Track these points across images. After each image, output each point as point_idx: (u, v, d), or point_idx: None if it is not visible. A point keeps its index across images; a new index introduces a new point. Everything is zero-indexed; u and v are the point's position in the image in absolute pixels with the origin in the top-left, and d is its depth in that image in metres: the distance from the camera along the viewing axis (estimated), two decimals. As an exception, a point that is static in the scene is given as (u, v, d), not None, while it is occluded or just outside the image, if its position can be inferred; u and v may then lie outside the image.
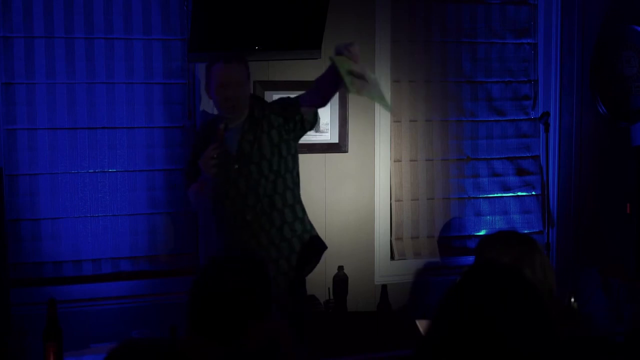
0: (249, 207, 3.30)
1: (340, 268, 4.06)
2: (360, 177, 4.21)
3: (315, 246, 3.47)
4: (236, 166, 3.28)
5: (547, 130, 4.35)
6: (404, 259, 4.31)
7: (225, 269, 1.92)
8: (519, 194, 4.55)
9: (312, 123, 3.36)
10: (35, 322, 3.18)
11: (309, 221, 3.48)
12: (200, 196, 3.27)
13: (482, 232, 4.44)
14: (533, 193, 4.57)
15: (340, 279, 4.05)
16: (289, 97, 3.40)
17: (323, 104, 3.36)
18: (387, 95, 3.32)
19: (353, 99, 4.13)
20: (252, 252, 3.27)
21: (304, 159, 4.07)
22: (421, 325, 3.03)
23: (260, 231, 3.31)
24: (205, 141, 3.29)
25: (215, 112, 3.53)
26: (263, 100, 3.48)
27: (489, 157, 4.48)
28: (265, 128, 3.30)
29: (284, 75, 4.02)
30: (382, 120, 4.21)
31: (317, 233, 3.51)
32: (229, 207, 3.32)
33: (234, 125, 3.29)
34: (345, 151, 4.14)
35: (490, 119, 4.48)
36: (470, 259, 3.33)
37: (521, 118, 4.54)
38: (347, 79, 2.97)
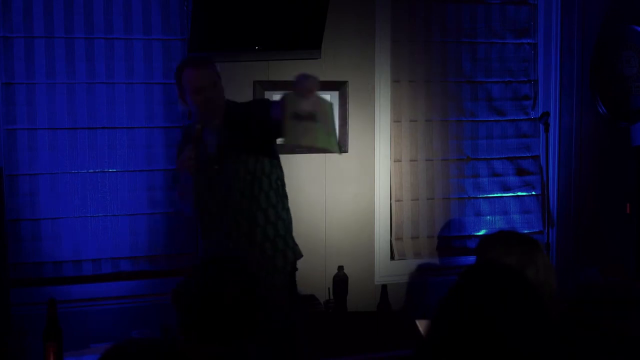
0: (230, 207, 3.27)
1: (340, 268, 4.06)
2: (360, 177, 4.21)
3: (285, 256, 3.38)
4: (216, 166, 3.25)
5: (547, 130, 4.35)
6: (404, 259, 4.31)
7: (214, 270, 1.92)
8: (519, 194, 4.55)
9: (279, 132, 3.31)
10: (35, 322, 3.18)
11: (285, 227, 3.38)
12: (185, 198, 3.27)
13: (482, 232, 4.44)
14: (533, 193, 4.57)
15: (340, 279, 4.05)
16: (268, 100, 3.43)
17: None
18: (335, 130, 3.15)
19: (353, 100, 4.14)
20: (235, 253, 3.24)
21: (304, 159, 4.07)
22: (421, 325, 3.03)
23: (238, 231, 3.27)
24: (186, 144, 3.27)
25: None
26: (236, 102, 3.43)
27: (489, 157, 4.48)
28: (242, 129, 3.25)
29: (284, 75, 4.01)
30: (382, 120, 4.22)
31: (292, 242, 3.40)
32: (211, 207, 3.30)
33: (212, 126, 3.26)
34: (345, 151, 4.14)
35: (490, 119, 4.48)
36: (470, 259, 3.33)
37: (521, 118, 4.54)
38: (289, 125, 2.92)
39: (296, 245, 3.39)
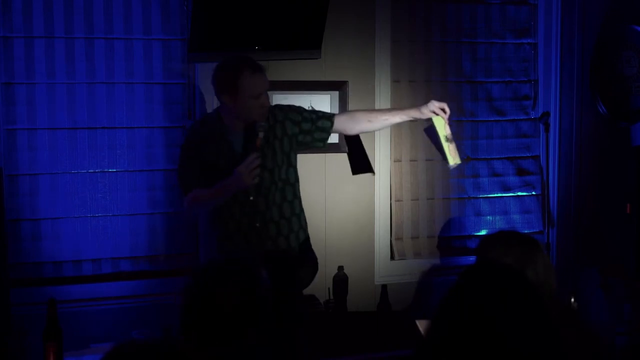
0: (259, 213, 3.28)
1: (340, 268, 4.06)
2: (360, 177, 4.20)
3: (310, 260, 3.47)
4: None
5: (547, 130, 4.34)
6: (404, 259, 4.31)
7: (218, 273, 1.92)
8: (519, 194, 4.55)
9: (324, 144, 3.43)
10: (35, 322, 3.18)
11: (306, 235, 3.48)
12: (210, 203, 3.24)
13: (482, 232, 4.44)
14: (533, 193, 4.57)
15: (340, 279, 4.05)
16: (318, 112, 3.44)
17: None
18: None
19: (353, 100, 4.13)
20: (243, 255, 3.25)
21: (304, 159, 4.06)
22: (421, 325, 3.03)
23: (267, 239, 3.30)
24: (204, 146, 3.25)
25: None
26: (277, 106, 3.47)
27: (489, 157, 4.48)
28: (278, 135, 3.29)
29: (284, 75, 4.01)
30: (382, 120, 4.21)
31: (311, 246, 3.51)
32: (237, 213, 3.29)
33: (238, 130, 3.27)
34: (345, 151, 4.14)
35: (490, 119, 4.48)
36: (471, 259, 3.32)
37: (521, 118, 4.54)
38: (446, 148, 3.31)
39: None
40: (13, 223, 3.75)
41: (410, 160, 4.31)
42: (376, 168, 4.23)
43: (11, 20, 3.71)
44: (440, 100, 4.32)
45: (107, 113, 3.87)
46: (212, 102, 3.93)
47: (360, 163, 4.13)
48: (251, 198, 3.26)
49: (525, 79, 4.53)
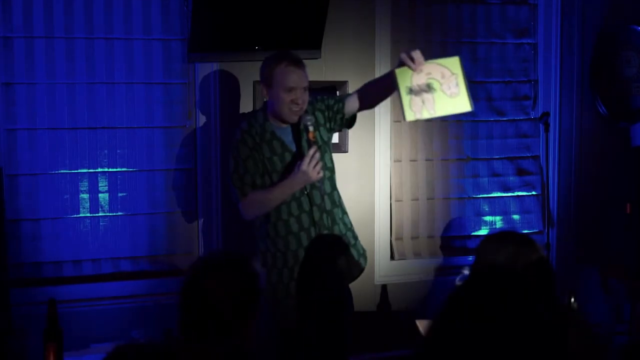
0: (316, 205, 3.28)
1: (340, 268, 4.06)
2: (360, 177, 4.21)
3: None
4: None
5: (547, 130, 4.34)
6: (404, 259, 4.31)
7: (213, 269, 1.92)
8: (519, 194, 4.55)
9: (351, 123, 3.39)
10: (35, 322, 3.18)
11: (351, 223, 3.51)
12: (273, 204, 3.21)
13: (482, 232, 4.44)
14: (533, 193, 4.57)
15: (340, 279, 4.05)
16: (331, 96, 3.41)
17: (368, 108, 3.42)
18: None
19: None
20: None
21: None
22: (421, 325, 3.03)
23: (324, 229, 3.29)
24: (257, 147, 3.21)
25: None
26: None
27: (489, 157, 4.48)
28: (316, 126, 3.29)
29: (284, 75, 4.01)
30: (382, 120, 4.22)
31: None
32: (295, 210, 3.26)
33: (286, 126, 3.27)
34: (345, 151, 4.14)
35: (490, 119, 4.48)
36: (471, 259, 3.33)
37: (521, 118, 4.54)
38: (406, 101, 2.93)
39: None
40: (13, 223, 3.75)
41: (410, 160, 4.31)
42: (376, 168, 4.23)
43: (11, 20, 3.71)
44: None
45: (107, 113, 3.87)
46: (212, 102, 3.94)
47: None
48: (306, 192, 3.26)
49: (525, 79, 4.53)
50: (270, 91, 3.19)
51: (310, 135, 3.15)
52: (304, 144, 3.19)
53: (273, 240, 3.27)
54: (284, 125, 3.26)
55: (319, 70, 4.06)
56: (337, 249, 3.33)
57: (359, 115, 4.16)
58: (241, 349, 1.89)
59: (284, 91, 3.15)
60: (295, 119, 3.22)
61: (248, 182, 3.21)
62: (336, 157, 4.11)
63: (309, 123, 3.17)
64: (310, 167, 3.09)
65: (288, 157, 3.23)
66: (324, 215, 3.29)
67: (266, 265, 3.27)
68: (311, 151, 3.10)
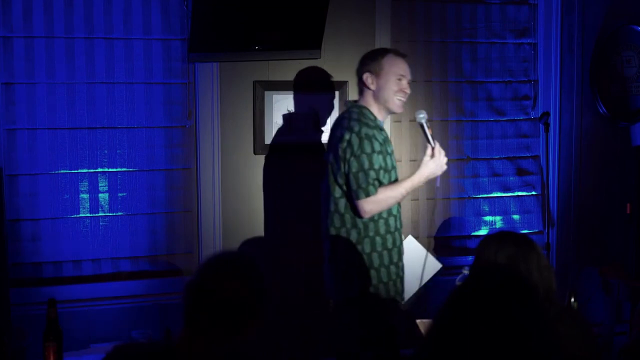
0: (399, 204, 3.33)
1: (341, 268, 4.05)
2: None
3: None
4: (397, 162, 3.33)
5: (547, 130, 4.34)
6: (404, 259, 4.31)
7: (220, 267, 1.92)
8: (519, 194, 4.55)
9: None
10: (35, 322, 3.18)
11: None
12: (396, 202, 3.23)
13: (482, 232, 4.44)
14: (533, 193, 4.57)
15: (341, 279, 4.04)
16: None
17: None
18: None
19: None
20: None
21: (304, 159, 4.07)
22: (421, 325, 3.03)
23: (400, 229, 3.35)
24: (377, 143, 3.18)
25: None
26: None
27: (489, 157, 4.48)
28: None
29: (284, 75, 4.02)
30: (382, 120, 4.21)
31: None
32: (394, 208, 3.27)
33: (382, 120, 3.32)
34: (345, 151, 4.13)
35: (490, 119, 4.48)
36: (470, 259, 3.33)
37: (521, 118, 4.54)
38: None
39: None
40: (13, 223, 3.75)
41: (410, 161, 4.31)
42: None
43: (11, 20, 3.71)
44: (440, 100, 4.36)
45: (107, 113, 3.87)
46: (212, 102, 3.94)
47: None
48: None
49: (525, 79, 4.53)
50: (379, 80, 3.24)
51: (430, 130, 3.26)
52: (429, 137, 3.27)
53: (383, 238, 3.24)
54: (381, 120, 3.30)
55: (319, 70, 4.06)
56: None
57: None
58: (244, 349, 1.89)
59: (394, 79, 3.23)
60: (401, 109, 3.31)
61: (373, 179, 3.15)
62: (336, 157, 4.13)
63: (423, 121, 3.26)
64: (440, 160, 3.23)
65: (390, 151, 3.27)
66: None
67: (372, 266, 3.21)
68: (437, 146, 3.24)
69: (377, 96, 3.25)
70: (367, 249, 3.20)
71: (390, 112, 3.32)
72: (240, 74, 3.96)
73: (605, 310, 4.20)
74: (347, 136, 3.14)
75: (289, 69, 4.02)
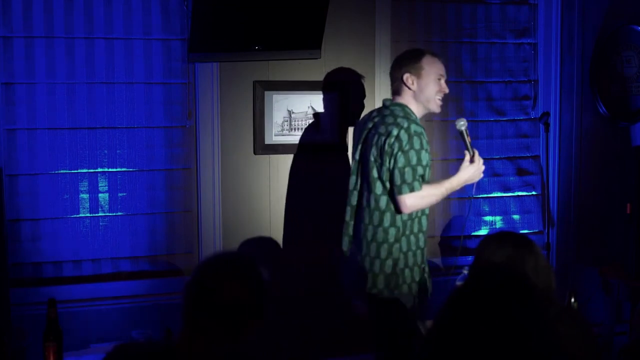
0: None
1: (341, 268, 4.05)
2: (360, 177, 4.20)
3: None
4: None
5: (547, 130, 4.35)
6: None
7: (220, 268, 1.92)
8: (519, 194, 4.55)
9: None
10: (35, 322, 3.19)
11: None
12: (436, 201, 3.28)
13: (482, 232, 4.44)
14: (533, 193, 4.57)
15: (341, 279, 4.04)
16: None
17: None
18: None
19: (353, 100, 4.13)
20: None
21: (304, 160, 4.07)
22: (421, 325, 3.04)
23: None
24: (424, 140, 3.21)
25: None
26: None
27: (489, 157, 4.48)
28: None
29: (284, 75, 4.02)
30: (382, 120, 4.21)
31: None
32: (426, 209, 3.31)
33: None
34: (346, 151, 4.14)
35: (490, 119, 4.48)
36: (470, 259, 3.33)
37: (521, 118, 4.54)
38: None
39: None
40: (13, 223, 3.75)
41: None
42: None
43: (11, 20, 3.71)
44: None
45: (107, 113, 3.87)
46: (212, 102, 3.94)
47: None
48: None
49: (525, 79, 4.53)
50: (420, 81, 3.27)
51: (468, 137, 3.32)
52: (468, 144, 3.33)
53: (416, 237, 3.26)
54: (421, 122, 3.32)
55: (319, 70, 4.06)
56: None
57: (359, 115, 4.17)
58: (244, 349, 1.89)
59: (434, 80, 3.28)
60: (440, 109, 3.35)
61: (420, 175, 3.17)
62: (337, 156, 4.13)
63: (463, 128, 3.31)
64: (480, 165, 3.29)
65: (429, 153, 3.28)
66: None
67: (407, 265, 3.23)
68: (476, 152, 3.31)
69: (417, 96, 3.29)
70: (404, 247, 3.22)
71: (428, 111, 3.35)
72: (240, 74, 3.97)
73: (605, 310, 4.20)
74: (395, 132, 3.15)
75: (289, 69, 4.02)
